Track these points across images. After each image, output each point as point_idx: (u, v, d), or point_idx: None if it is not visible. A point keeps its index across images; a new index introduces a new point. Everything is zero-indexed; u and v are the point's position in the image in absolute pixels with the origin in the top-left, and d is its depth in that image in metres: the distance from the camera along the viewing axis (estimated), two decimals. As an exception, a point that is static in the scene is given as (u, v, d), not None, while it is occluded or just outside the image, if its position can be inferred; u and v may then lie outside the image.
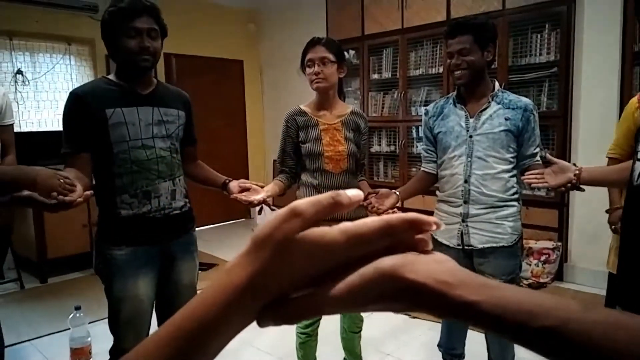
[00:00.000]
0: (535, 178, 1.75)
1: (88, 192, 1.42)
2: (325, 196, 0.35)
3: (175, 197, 1.84)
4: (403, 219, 0.35)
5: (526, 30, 3.83)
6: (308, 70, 2.06)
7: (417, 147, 4.55)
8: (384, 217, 0.35)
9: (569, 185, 1.65)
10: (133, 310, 1.78)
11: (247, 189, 1.91)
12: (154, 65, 1.76)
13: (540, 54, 3.78)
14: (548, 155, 1.81)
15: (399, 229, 0.34)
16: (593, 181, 1.64)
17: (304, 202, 0.35)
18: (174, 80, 5.40)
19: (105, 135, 1.69)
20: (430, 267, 0.33)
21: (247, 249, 0.35)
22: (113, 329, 1.83)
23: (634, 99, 2.17)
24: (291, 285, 0.35)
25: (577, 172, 1.64)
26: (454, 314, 0.33)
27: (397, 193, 2.04)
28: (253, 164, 6.60)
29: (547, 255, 3.75)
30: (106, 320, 1.85)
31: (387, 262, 0.34)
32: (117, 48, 1.70)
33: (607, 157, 2.32)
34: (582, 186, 1.68)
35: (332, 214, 0.35)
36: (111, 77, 1.79)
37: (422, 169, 2.18)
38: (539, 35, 3.78)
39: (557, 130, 3.71)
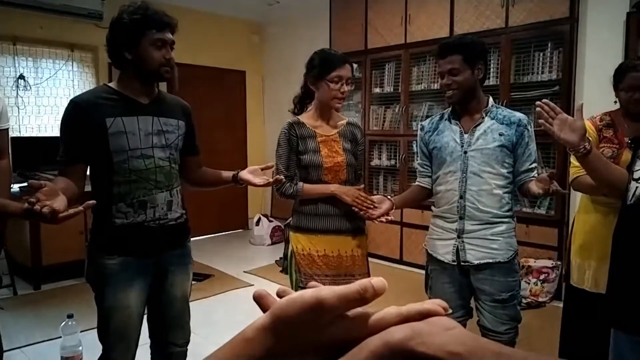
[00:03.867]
0: (547, 111, 1.57)
1: (90, 202, 1.40)
2: (352, 291, 0.34)
3: (171, 208, 1.82)
4: (419, 312, 0.35)
5: (529, 48, 3.84)
6: (333, 85, 2.02)
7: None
8: (402, 311, 0.35)
9: (570, 149, 1.53)
10: (123, 321, 1.76)
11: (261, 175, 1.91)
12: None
13: (543, 72, 3.79)
14: (579, 105, 1.58)
15: (414, 320, 0.35)
16: (596, 162, 1.52)
17: (331, 295, 0.34)
18: (175, 89, 5.40)
19: (105, 144, 1.68)
20: (440, 338, 0.32)
21: (267, 323, 0.35)
22: (102, 338, 1.80)
23: (589, 124, 2.22)
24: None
25: (587, 146, 1.49)
26: None
27: (391, 199, 2.04)
28: (253, 175, 6.58)
29: (546, 274, 3.73)
30: (97, 329, 1.82)
31: (396, 336, 0.33)
32: (137, 56, 1.68)
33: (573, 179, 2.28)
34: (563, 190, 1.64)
35: (357, 307, 0.35)
36: (112, 85, 1.78)
37: (416, 182, 2.19)
38: (541, 54, 3.79)
39: (558, 150, 3.70)
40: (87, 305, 3.21)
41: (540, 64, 3.81)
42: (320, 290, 0.34)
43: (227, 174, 2.00)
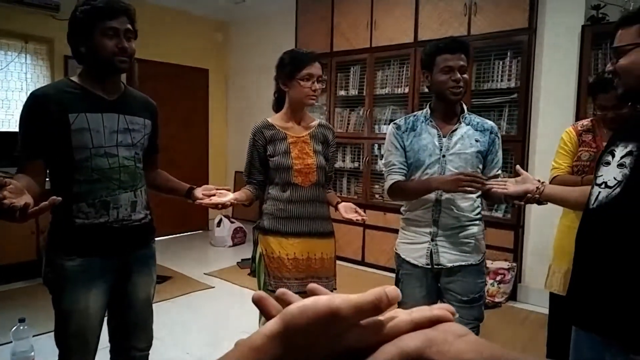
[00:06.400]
0: (497, 184, 1.80)
1: (55, 198, 1.28)
2: (367, 301, 0.33)
3: (135, 208, 1.77)
4: (429, 319, 0.35)
5: (489, 56, 3.96)
6: (304, 83, 2.00)
7: (380, 164, 4.59)
8: (413, 318, 0.35)
9: (527, 195, 1.69)
10: (82, 324, 1.69)
11: (212, 195, 1.88)
12: (130, 67, 1.71)
13: (502, 80, 3.92)
14: (518, 167, 1.85)
15: (425, 326, 0.34)
16: (553, 197, 1.69)
17: (345, 305, 0.33)
18: (135, 85, 5.25)
19: (67, 140, 1.61)
20: (455, 346, 0.32)
21: (276, 331, 0.33)
22: (59, 342, 1.73)
23: (571, 130, 2.41)
24: None
25: (540, 187, 1.68)
26: None
27: None
28: (214, 175, 6.50)
29: (502, 276, 3.84)
30: (52, 333, 1.75)
31: (411, 344, 0.33)
32: (91, 49, 1.62)
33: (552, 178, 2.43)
34: (543, 201, 1.73)
35: (370, 317, 0.34)
36: (75, 79, 1.70)
37: (396, 179, 2.00)
38: (501, 62, 3.92)
39: (514, 154, 3.83)
40: (40, 309, 3.08)
41: (500, 72, 3.93)
42: (333, 299, 0.33)
43: (182, 187, 1.98)
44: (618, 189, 1.22)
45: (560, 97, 3.67)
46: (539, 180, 1.73)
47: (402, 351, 0.32)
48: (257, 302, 0.39)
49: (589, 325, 1.32)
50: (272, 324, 0.34)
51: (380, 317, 0.35)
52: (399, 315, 0.35)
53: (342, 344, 0.33)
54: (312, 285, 0.42)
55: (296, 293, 0.42)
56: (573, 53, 3.56)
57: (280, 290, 0.42)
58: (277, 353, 0.33)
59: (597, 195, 1.28)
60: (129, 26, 1.66)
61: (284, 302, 0.41)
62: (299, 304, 0.34)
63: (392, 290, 0.34)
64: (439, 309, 0.36)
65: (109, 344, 1.90)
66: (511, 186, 1.76)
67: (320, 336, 0.33)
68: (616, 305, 1.21)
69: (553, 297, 2.50)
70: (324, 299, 0.33)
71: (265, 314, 0.39)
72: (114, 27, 1.61)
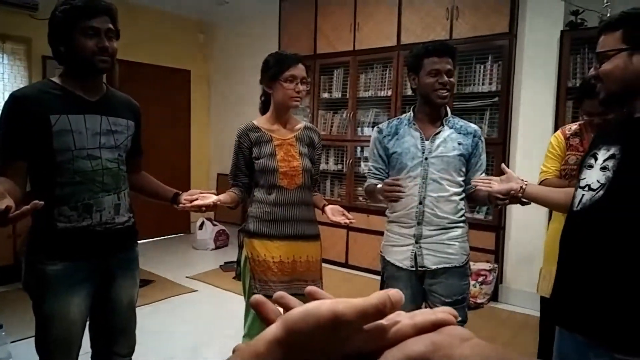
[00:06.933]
0: (482, 182, 1.85)
1: (37, 202, 1.25)
2: (371, 305, 0.33)
3: (119, 211, 1.74)
4: (433, 323, 0.34)
5: (471, 60, 4.01)
6: (288, 85, 2.01)
7: (362, 167, 4.60)
8: (417, 322, 0.34)
9: (511, 193, 1.72)
10: (64, 330, 1.65)
11: (195, 199, 1.86)
12: (112, 67, 1.68)
13: (483, 84, 3.97)
14: (503, 165, 1.89)
15: (428, 330, 0.34)
16: (536, 196, 1.72)
17: (349, 310, 0.32)
18: (116, 86, 5.18)
19: (48, 142, 1.57)
20: (461, 351, 0.32)
21: (279, 336, 0.33)
22: (40, 349, 1.68)
23: (559, 134, 2.42)
24: None
25: (524, 186, 1.71)
26: None
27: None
28: (196, 178, 6.44)
29: (484, 277, 3.89)
30: (30, 339, 1.71)
31: (415, 349, 0.32)
32: (71, 48, 1.59)
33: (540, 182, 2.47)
34: (525, 200, 1.75)
35: (374, 321, 0.34)
36: (56, 80, 1.67)
37: (369, 183, 2.11)
38: (482, 66, 3.97)
39: (495, 157, 3.87)
40: (18, 314, 3.01)
41: (481, 75, 3.99)
42: (337, 304, 0.32)
43: (167, 192, 1.97)
44: (601, 192, 1.25)
45: (540, 101, 3.73)
46: (522, 180, 1.75)
47: (407, 356, 0.32)
48: (256, 306, 0.39)
49: (572, 326, 1.34)
50: (274, 329, 0.33)
51: (383, 322, 0.34)
52: (402, 320, 0.35)
53: (345, 349, 0.33)
54: (312, 289, 0.41)
55: None
56: (552, 58, 3.62)
57: (279, 293, 0.41)
58: (279, 359, 0.32)
59: (581, 198, 1.31)
60: (110, 26, 1.64)
61: (283, 306, 0.41)
62: (300, 309, 0.33)
63: (396, 293, 0.33)
64: (442, 312, 0.35)
65: (90, 350, 1.86)
66: (495, 185, 1.78)
67: (323, 342, 0.32)
68: (600, 306, 1.23)
69: (544, 300, 2.52)
70: (326, 304, 0.32)
71: (265, 319, 0.38)
72: (94, 26, 1.59)
